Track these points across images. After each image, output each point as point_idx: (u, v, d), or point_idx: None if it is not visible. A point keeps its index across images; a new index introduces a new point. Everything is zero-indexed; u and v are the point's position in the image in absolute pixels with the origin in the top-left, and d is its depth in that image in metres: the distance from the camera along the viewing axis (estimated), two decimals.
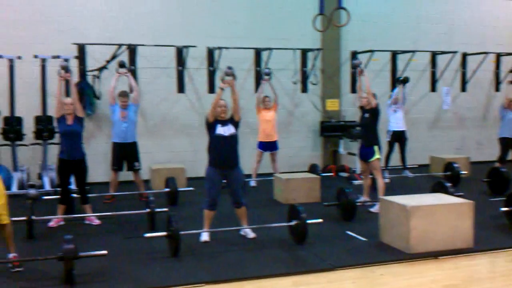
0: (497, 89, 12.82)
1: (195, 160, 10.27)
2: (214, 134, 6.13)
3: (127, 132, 8.22)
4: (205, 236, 6.16)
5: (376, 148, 7.60)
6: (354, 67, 7.89)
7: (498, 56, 12.59)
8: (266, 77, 9.59)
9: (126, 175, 8.91)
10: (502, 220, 6.83)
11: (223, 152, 6.12)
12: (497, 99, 12.68)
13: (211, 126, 6.17)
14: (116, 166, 8.33)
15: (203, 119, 10.49)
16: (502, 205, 6.85)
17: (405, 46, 11.77)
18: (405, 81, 10.12)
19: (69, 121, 6.77)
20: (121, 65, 8.48)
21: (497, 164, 9.84)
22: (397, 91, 10.10)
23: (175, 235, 5.53)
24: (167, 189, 8.21)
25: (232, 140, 6.18)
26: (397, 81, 10.45)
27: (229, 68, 6.33)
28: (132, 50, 9.78)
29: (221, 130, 6.12)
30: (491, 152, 10.32)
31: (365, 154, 7.71)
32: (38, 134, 9.11)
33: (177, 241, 5.53)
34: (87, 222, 7.06)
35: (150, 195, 6.96)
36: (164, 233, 5.69)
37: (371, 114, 7.63)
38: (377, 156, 7.59)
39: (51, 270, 5.08)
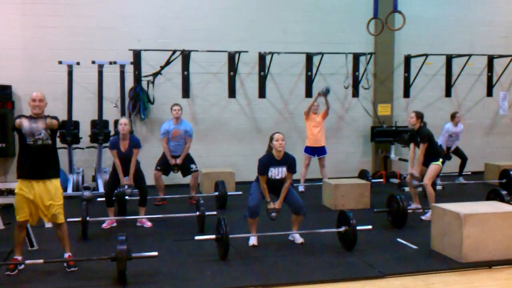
0: None
1: (244, 165, 10.36)
2: (268, 178, 6.11)
3: (177, 148, 8.43)
4: (253, 240, 6.20)
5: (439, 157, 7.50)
6: (321, 94, 7.97)
7: None
8: (324, 93, 9.37)
9: (176, 178, 9.08)
10: None
11: (271, 189, 6.20)
12: None
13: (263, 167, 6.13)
14: (160, 166, 8.49)
15: (253, 124, 10.74)
16: None
17: (460, 49, 11.46)
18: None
19: (123, 147, 7.14)
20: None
21: None
22: (449, 129, 9.92)
23: (224, 239, 5.59)
24: (216, 193, 8.31)
25: (281, 181, 6.18)
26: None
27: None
28: (186, 55, 9.97)
29: (273, 174, 6.12)
30: None
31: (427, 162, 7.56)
32: (94, 138, 9.42)
33: (226, 244, 5.60)
34: (138, 224, 7.24)
35: (200, 199, 7.06)
36: (213, 236, 5.77)
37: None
38: (438, 162, 7.43)
39: (104, 270, 5.24)
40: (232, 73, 10.31)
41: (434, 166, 7.39)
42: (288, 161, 6.12)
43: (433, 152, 7.44)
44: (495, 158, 11.55)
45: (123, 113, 9.52)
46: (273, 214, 6.14)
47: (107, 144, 9.38)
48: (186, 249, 6.04)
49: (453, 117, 9.93)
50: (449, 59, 11.45)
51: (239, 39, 10.44)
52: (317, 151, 9.54)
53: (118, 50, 9.86)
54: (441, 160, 7.44)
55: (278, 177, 6.10)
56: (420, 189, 7.81)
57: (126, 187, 7.12)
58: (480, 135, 12.02)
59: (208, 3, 10.51)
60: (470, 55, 11.25)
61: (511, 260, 5.54)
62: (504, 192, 7.11)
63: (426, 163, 7.50)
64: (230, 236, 5.64)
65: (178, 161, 8.38)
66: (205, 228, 6.69)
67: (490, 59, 11.68)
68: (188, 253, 5.92)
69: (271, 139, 6.07)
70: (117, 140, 7.14)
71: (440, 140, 9.94)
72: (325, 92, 9.24)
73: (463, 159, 10.18)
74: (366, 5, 10.70)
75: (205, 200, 7.41)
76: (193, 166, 8.55)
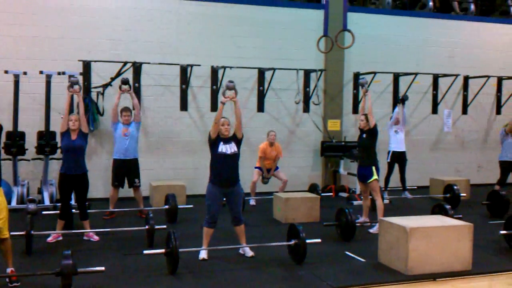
0: (498, 112, 12.86)
1: (196, 178, 10.30)
2: (217, 152, 6.16)
3: (129, 148, 8.27)
4: (203, 254, 6.16)
5: (373, 168, 7.63)
6: (361, 85, 7.92)
7: (500, 80, 12.67)
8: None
9: (126, 191, 8.93)
10: (501, 243, 6.83)
11: (224, 170, 6.15)
12: (498, 123, 12.73)
13: (213, 143, 6.21)
14: (117, 182, 8.37)
15: (205, 137, 10.62)
16: (501, 228, 6.85)
17: (408, 68, 11.86)
18: (404, 99, 10.16)
19: (74, 136, 6.83)
20: (124, 82, 8.51)
21: (496, 187, 9.83)
22: (397, 110, 10.15)
23: (173, 253, 5.53)
24: (166, 206, 8.22)
25: (234, 158, 6.21)
26: (398, 101, 10.50)
27: (230, 82, 6.35)
28: (137, 67, 9.88)
29: (224, 148, 6.15)
30: (491, 175, 10.32)
31: (363, 175, 7.73)
32: (40, 149, 9.15)
33: (175, 258, 5.53)
34: (85, 238, 7.06)
35: (150, 212, 6.97)
36: (162, 250, 5.70)
37: (369, 135, 7.67)
38: (375, 177, 7.61)
39: (49, 285, 5.08)
40: (184, 86, 10.29)
41: (374, 183, 7.63)
42: (234, 137, 6.31)
43: (371, 157, 7.71)
44: (440, 173, 11.93)
45: None
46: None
47: (54, 156, 9.19)
48: (134, 264, 5.94)
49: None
50: (397, 77, 11.82)
51: (191, 52, 10.45)
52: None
53: (68, 60, 9.68)
54: (374, 168, 7.67)
55: (229, 152, 6.15)
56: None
57: None
58: (426, 151, 12.40)
59: (160, 16, 10.46)
60: (416, 74, 11.64)
61: (454, 272, 5.72)
62: (448, 206, 7.36)
63: (361, 177, 7.78)
64: (180, 250, 5.58)
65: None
66: (155, 242, 6.60)
67: (436, 78, 12.13)
68: (137, 268, 5.81)
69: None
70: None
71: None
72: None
73: (402, 173, 10.43)
74: (317, 23, 10.90)
75: (155, 213, 7.32)
76: (136, 180, 8.43)
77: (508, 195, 8.90)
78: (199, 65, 10.19)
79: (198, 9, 10.66)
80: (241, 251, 6.39)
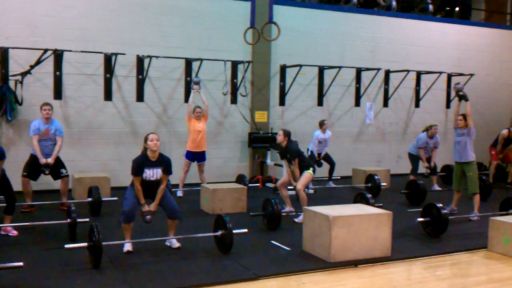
0: (417, 106, 13.46)
1: (120, 170, 10.06)
2: (142, 178, 6.02)
3: (47, 147, 8.00)
4: (128, 247, 6.05)
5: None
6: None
7: (418, 74, 13.25)
8: (196, 86, 9.55)
9: (46, 183, 8.61)
10: (418, 230, 7.17)
11: (147, 194, 6.10)
12: (417, 115, 13.34)
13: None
14: (27, 172, 8.02)
15: (130, 128, 10.49)
16: (418, 215, 7.20)
17: (332, 61, 12.15)
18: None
19: None
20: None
21: (411, 177, 10.30)
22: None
23: (96, 246, 5.39)
24: (89, 199, 7.99)
25: (158, 183, 6.13)
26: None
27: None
28: (58, 55, 9.50)
29: (149, 173, 6.03)
30: (410, 165, 10.78)
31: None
32: None
33: (99, 252, 5.40)
34: (3, 233, 6.74)
35: (72, 205, 6.75)
36: (85, 244, 5.54)
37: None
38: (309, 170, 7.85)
39: None
40: (108, 75, 10.03)
41: (307, 174, 7.81)
42: (163, 162, 6.09)
43: (305, 165, 7.87)
44: (362, 163, 12.35)
45: None
46: (148, 216, 6.04)
47: None
48: (55, 259, 5.74)
49: (321, 124, 10.52)
50: (321, 70, 12.09)
51: (116, 41, 10.17)
52: (197, 157, 9.54)
53: None
54: (311, 169, 7.88)
55: (153, 179, 6.04)
56: (293, 192, 8.15)
57: None
58: (349, 142, 12.78)
59: (83, 2, 10.09)
60: (340, 67, 11.95)
61: (374, 258, 5.95)
62: (369, 196, 7.65)
63: (300, 172, 7.90)
64: (104, 243, 5.46)
65: (50, 160, 7.94)
66: (77, 236, 6.40)
67: (358, 71, 12.51)
68: (58, 263, 5.62)
69: (146, 139, 6.02)
70: None
71: (311, 146, 10.50)
72: (197, 83, 9.54)
73: (332, 165, 10.78)
74: (244, 15, 10.94)
75: (78, 206, 7.10)
76: (63, 170, 8.17)
77: (424, 184, 9.36)
78: (124, 54, 9.95)
79: None
80: (167, 243, 6.34)
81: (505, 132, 11.39)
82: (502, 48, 14.61)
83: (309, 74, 11.98)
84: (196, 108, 9.47)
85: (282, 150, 8.05)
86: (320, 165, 10.50)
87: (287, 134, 7.94)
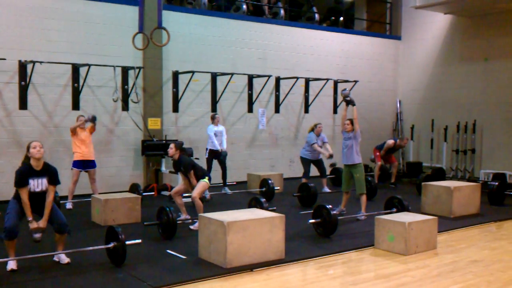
0: (306, 111, 13.94)
1: (2, 183, 9.45)
2: (29, 189, 5.71)
3: None
4: (12, 265, 5.66)
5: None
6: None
7: (307, 81, 13.74)
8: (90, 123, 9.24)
9: None
10: (311, 231, 7.41)
11: (34, 207, 5.76)
12: (306, 120, 13.81)
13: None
14: None
15: (13, 137, 9.86)
16: (310, 217, 7.44)
17: (224, 68, 12.26)
18: None
19: None
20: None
21: (303, 180, 10.64)
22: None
23: None
24: None
25: (44, 196, 5.82)
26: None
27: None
28: None
29: (34, 183, 5.71)
30: (301, 169, 11.12)
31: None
32: None
33: None
34: None
35: None
36: None
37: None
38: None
39: None
40: None
41: (203, 183, 7.81)
42: (49, 171, 5.79)
43: (200, 174, 7.87)
44: (256, 169, 12.56)
45: None
46: (37, 235, 5.69)
47: None
48: None
49: (212, 118, 10.60)
50: (214, 76, 12.15)
51: None
52: (86, 165, 9.16)
53: None
54: (207, 177, 7.90)
55: (38, 190, 5.72)
56: (189, 200, 8.10)
57: None
58: (243, 148, 12.95)
59: None
60: (232, 74, 12.08)
61: (269, 262, 6.05)
62: (263, 200, 7.80)
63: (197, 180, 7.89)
64: None
65: None
66: None
67: (250, 78, 12.73)
68: None
69: (28, 148, 5.71)
70: None
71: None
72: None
73: (223, 169, 10.80)
74: (133, 19, 10.69)
75: None
76: None
77: (315, 187, 9.71)
78: (4, 59, 9.35)
79: None
80: (55, 259, 6.01)
81: (391, 142, 12.18)
82: (382, 56, 15.57)
83: (202, 81, 11.98)
84: (79, 116, 9.12)
85: (175, 163, 7.99)
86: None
87: (178, 146, 7.90)
